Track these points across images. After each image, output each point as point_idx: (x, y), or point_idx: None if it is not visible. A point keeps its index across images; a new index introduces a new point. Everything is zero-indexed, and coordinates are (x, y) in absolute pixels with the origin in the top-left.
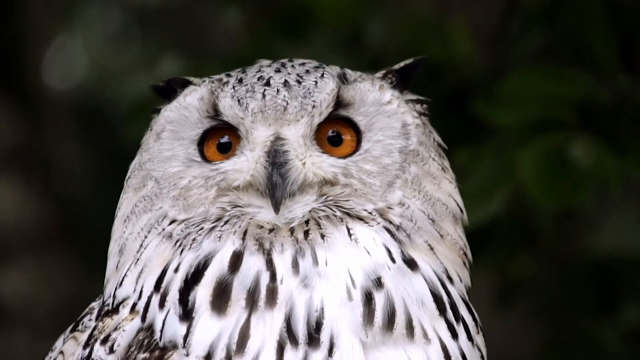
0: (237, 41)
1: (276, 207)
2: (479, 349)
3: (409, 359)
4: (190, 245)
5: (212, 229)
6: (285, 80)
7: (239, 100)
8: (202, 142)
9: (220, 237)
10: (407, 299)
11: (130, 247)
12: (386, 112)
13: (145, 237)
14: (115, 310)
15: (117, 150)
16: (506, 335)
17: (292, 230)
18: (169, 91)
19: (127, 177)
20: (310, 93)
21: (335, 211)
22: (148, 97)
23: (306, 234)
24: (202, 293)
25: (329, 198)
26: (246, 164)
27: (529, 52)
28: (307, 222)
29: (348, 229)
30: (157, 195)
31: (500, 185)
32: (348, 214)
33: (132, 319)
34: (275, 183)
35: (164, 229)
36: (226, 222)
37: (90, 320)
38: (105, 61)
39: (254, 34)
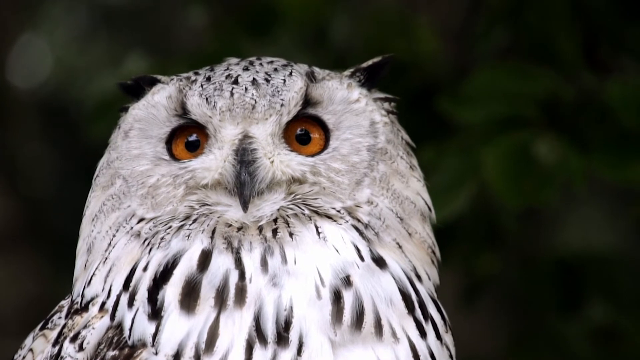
0: (202, 40)
1: (244, 206)
2: (448, 348)
3: (378, 359)
4: (159, 244)
5: (181, 227)
6: (254, 79)
7: (207, 99)
8: (170, 140)
9: (188, 236)
10: (376, 297)
11: (99, 246)
12: (354, 110)
13: (114, 235)
14: (84, 308)
15: (83, 149)
16: (473, 333)
17: (260, 229)
18: (136, 89)
19: (95, 175)
20: (278, 91)
21: (303, 209)
22: (113, 96)
23: (274, 232)
24: (171, 292)
25: (298, 196)
26: (214, 162)
27: (493, 50)
28: (275, 220)
29: (316, 227)
30: (125, 194)
31: (465, 182)
32: (316, 212)
33: (102, 317)
34: (244, 181)
35: (132, 228)
36: (194, 221)
37: (59, 318)
38: (71, 60)
39: (219, 32)
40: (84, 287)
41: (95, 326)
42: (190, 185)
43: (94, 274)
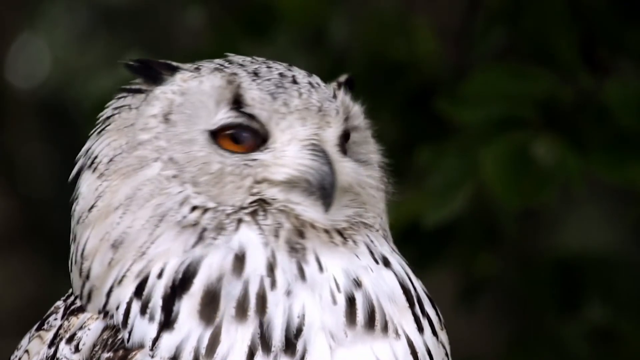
0: (200, 40)
1: (326, 208)
2: (443, 346)
3: (375, 355)
4: (220, 236)
5: (244, 220)
6: (309, 81)
7: (271, 95)
8: (217, 131)
9: (261, 231)
10: (380, 294)
11: (133, 241)
12: (363, 125)
13: (156, 226)
14: (81, 309)
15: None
16: (471, 333)
17: (327, 233)
18: (149, 72)
19: (98, 162)
20: (332, 97)
21: (359, 218)
22: (111, 96)
23: (344, 238)
24: (189, 302)
25: (354, 204)
26: (291, 160)
27: (492, 50)
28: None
29: (368, 236)
30: (170, 180)
31: (464, 183)
32: (362, 222)
33: (97, 317)
34: (330, 183)
35: (184, 217)
36: (263, 216)
37: (55, 319)
38: (70, 60)
39: (217, 32)
40: (111, 289)
41: (91, 327)
42: (258, 179)
43: (125, 275)
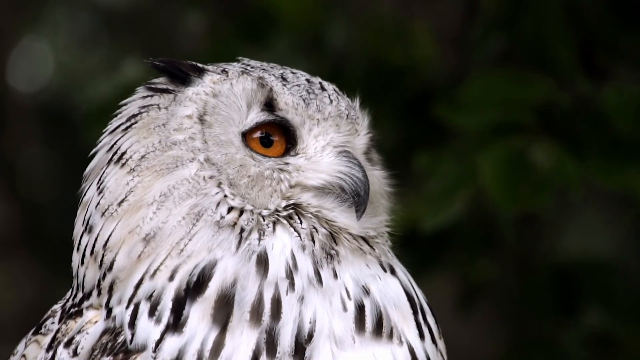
0: (200, 45)
1: (359, 215)
2: (442, 355)
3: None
4: (263, 237)
5: (281, 223)
6: (334, 88)
7: (303, 100)
8: (247, 132)
9: (299, 235)
10: (385, 300)
11: (167, 236)
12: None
13: (194, 225)
14: (79, 312)
15: (82, 154)
16: (469, 338)
17: (357, 240)
18: (176, 72)
19: (127, 158)
20: (353, 105)
21: (382, 226)
22: (109, 101)
23: (370, 246)
24: (201, 307)
25: (376, 212)
26: (328, 165)
27: (490, 56)
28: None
29: (382, 245)
30: (207, 180)
31: (461, 188)
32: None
33: (96, 321)
34: (363, 190)
35: (222, 218)
36: (298, 220)
37: (53, 323)
38: (71, 64)
39: (216, 37)
40: (141, 281)
41: (90, 331)
42: (292, 183)
43: (158, 268)
